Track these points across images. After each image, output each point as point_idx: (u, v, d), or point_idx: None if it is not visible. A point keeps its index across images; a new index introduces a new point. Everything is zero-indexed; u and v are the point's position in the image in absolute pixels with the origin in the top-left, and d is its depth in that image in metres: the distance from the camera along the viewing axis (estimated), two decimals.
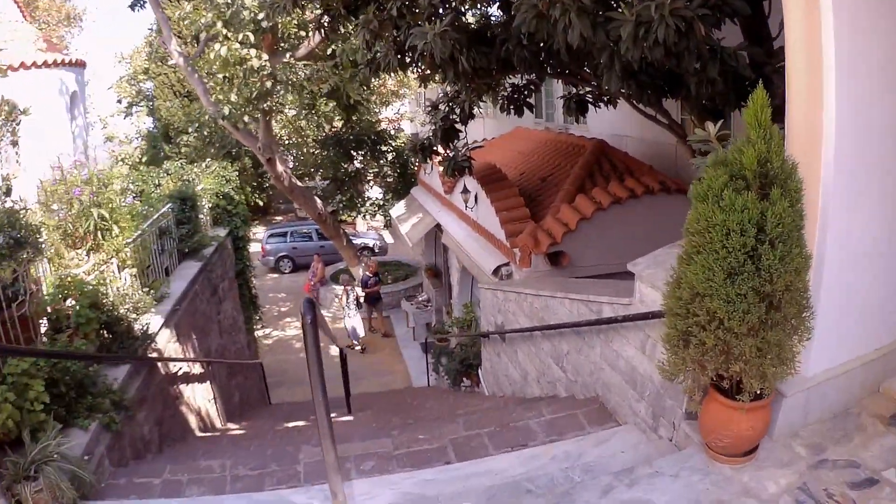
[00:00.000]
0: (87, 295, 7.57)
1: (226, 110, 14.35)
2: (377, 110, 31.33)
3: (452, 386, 13.30)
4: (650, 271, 5.10)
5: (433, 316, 19.45)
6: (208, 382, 10.93)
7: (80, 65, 19.37)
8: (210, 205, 13.94)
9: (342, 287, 19.77)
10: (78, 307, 7.32)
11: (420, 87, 14.58)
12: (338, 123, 23.10)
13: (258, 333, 21.14)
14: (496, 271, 11.09)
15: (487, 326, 10.45)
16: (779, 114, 6.23)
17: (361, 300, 20.10)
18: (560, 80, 11.83)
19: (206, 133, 22.95)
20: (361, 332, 19.85)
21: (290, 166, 24.06)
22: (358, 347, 19.85)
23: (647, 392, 5.35)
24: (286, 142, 26.79)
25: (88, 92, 36.77)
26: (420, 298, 20.36)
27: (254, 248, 30.73)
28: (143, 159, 26.20)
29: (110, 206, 9.04)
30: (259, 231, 33.50)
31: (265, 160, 17.63)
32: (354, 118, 22.04)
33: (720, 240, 3.60)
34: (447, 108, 11.34)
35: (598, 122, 15.08)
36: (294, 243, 28.86)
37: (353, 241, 26.91)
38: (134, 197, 13.37)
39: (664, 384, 4.96)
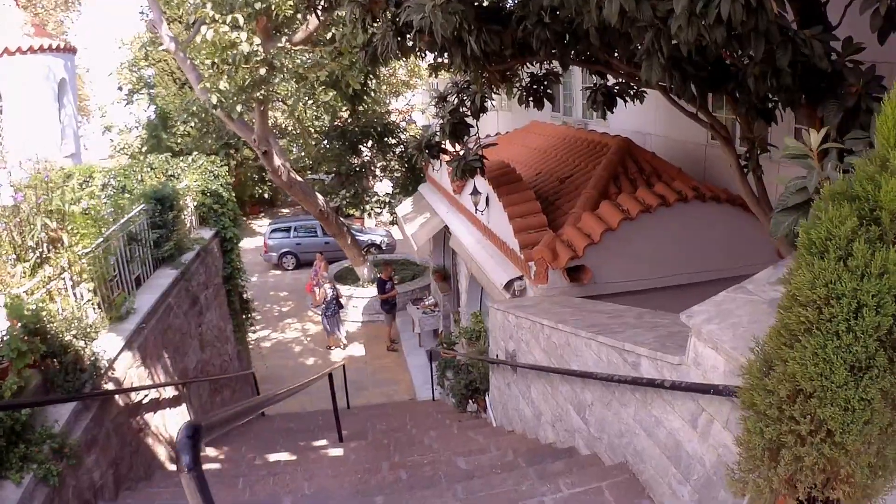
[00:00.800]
0: (24, 320, 6.39)
1: (213, 98, 13.13)
2: (387, 101, 30.14)
3: (457, 406, 12.09)
4: (712, 327, 3.83)
5: (440, 322, 18.22)
6: (184, 405, 9.78)
7: (69, 50, 18.29)
8: (195, 203, 12.74)
9: (322, 286, 19.02)
10: (8, 338, 6.13)
11: (431, 76, 13.36)
12: (344, 114, 21.84)
13: (254, 336, 20.03)
14: (508, 286, 9.85)
15: (497, 351, 9.20)
16: (852, 118, 5.00)
17: (342, 301, 19.78)
18: (585, 69, 10.48)
19: (201, 123, 21.79)
20: (343, 332, 19.46)
21: (292, 159, 22.86)
22: (343, 344, 19.45)
23: (695, 476, 4.13)
24: (288, 132, 25.64)
25: (89, 80, 36.07)
26: (427, 302, 19.12)
27: (257, 242, 29.79)
28: (144, 149, 25.10)
29: (60, 212, 7.83)
30: (264, 224, 32.39)
31: (261, 153, 16.43)
32: (360, 109, 20.79)
33: (846, 318, 2.36)
34: (457, 100, 10.10)
35: (620, 117, 13.77)
36: (298, 239, 27.62)
37: (360, 238, 25.75)
38: (113, 193, 12.28)
39: (717, 469, 3.79)
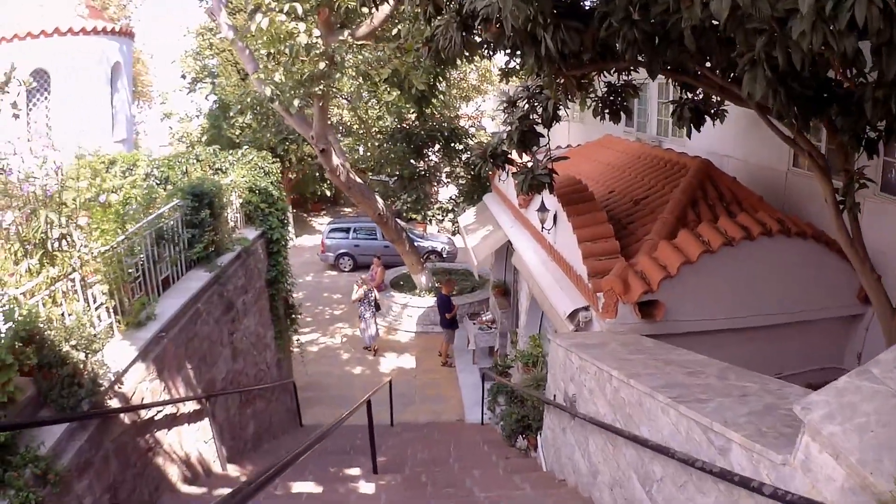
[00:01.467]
0: (16, 326, 5.61)
1: (268, 90, 12.35)
2: (456, 105, 29.22)
3: (506, 439, 11.02)
4: (834, 428, 2.76)
5: (497, 340, 17.16)
6: (206, 420, 8.95)
7: (125, 34, 17.83)
8: (241, 200, 11.96)
9: (358, 285, 18.65)
10: None
11: (502, 81, 12.39)
12: (410, 116, 20.98)
13: (302, 340, 19.26)
14: (572, 316, 8.77)
15: (555, 391, 8.11)
16: None
17: (379, 302, 19.41)
18: (669, 80, 9.30)
19: (259, 116, 21.18)
20: (374, 333, 18.93)
21: (356, 158, 22.07)
22: (375, 348, 19.02)
23: None
24: (353, 131, 24.92)
25: (153, 66, 36.06)
26: (485, 318, 18.06)
27: (315, 241, 29.16)
28: (203, 139, 24.64)
29: (72, 204, 7.07)
30: (325, 223, 31.80)
31: (318, 150, 15.62)
32: (427, 112, 19.87)
33: None
34: (527, 106, 9.06)
35: (695, 137, 12.59)
36: (357, 240, 26.86)
37: (420, 245, 24.87)
38: (155, 184, 11.60)
39: None
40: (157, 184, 11.73)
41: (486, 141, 22.29)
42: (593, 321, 8.68)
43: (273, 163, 13.29)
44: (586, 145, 16.68)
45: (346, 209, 37.82)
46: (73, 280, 6.74)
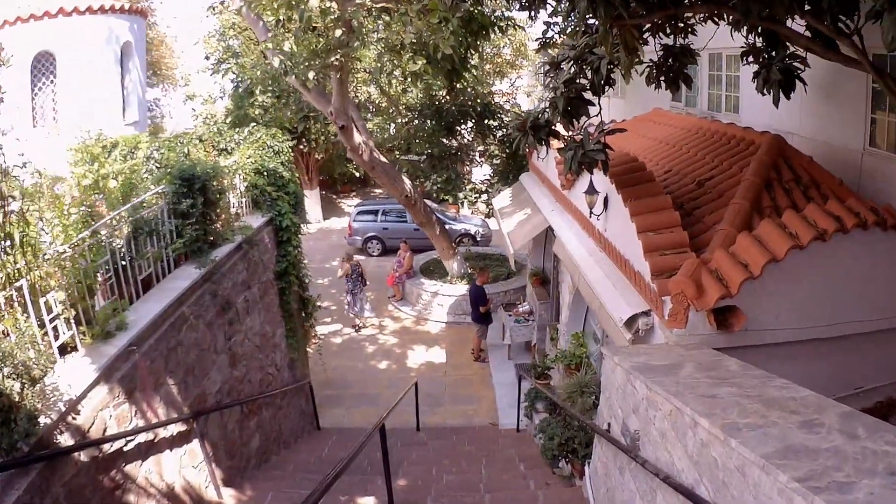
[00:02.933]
0: None
1: (276, 61, 10.98)
2: (490, 82, 27.65)
3: (547, 460, 9.56)
4: None
5: (534, 334, 15.68)
6: (195, 442, 7.62)
7: (137, 12, 16.78)
8: (245, 184, 10.62)
9: (340, 263, 18.41)
10: None
11: (538, 52, 10.89)
12: (440, 91, 19.45)
13: (325, 330, 18.00)
14: (631, 323, 7.27)
15: (609, 417, 6.59)
16: None
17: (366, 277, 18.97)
18: (754, 33, 7.65)
19: (279, 93, 19.88)
20: (368, 310, 18.84)
21: (385, 137, 20.58)
22: (361, 325, 18.77)
23: None
24: (382, 109, 23.49)
25: (178, 48, 34.85)
26: (521, 309, 16.54)
27: (344, 223, 27.81)
28: (228, 120, 23.41)
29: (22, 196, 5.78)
30: (354, 205, 30.48)
31: (338, 127, 14.18)
32: (458, 86, 18.29)
33: None
34: (573, 69, 7.54)
35: (752, 112, 11.07)
36: (386, 223, 25.44)
37: (453, 228, 23.42)
38: (158, 168, 10.34)
39: None
40: (157, 167, 10.44)
41: (519, 113, 20.74)
42: (655, 329, 7.19)
43: (283, 141, 11.86)
44: (633, 120, 15.04)
45: (376, 190, 36.44)
46: (20, 288, 5.44)
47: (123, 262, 7.09)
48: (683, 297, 6.52)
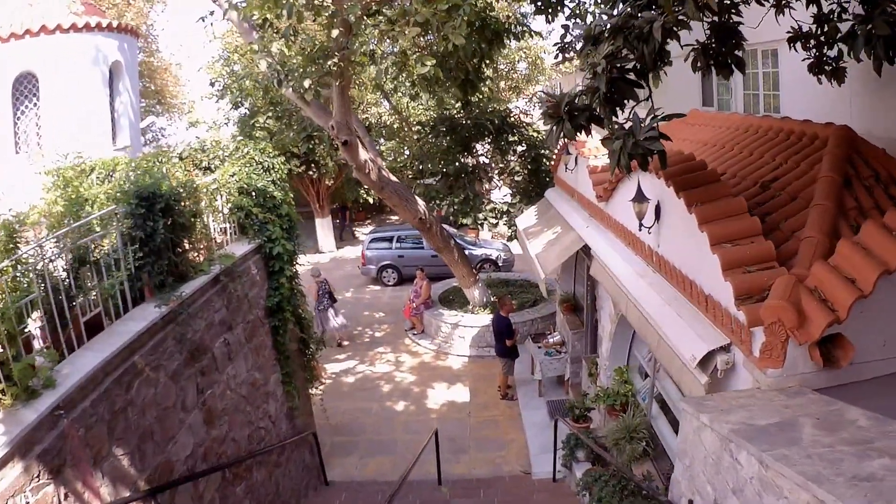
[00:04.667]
0: None
1: (263, 65, 9.60)
2: (506, 98, 26.19)
3: None
4: None
5: (567, 367, 13.96)
6: None
7: (127, 31, 15.56)
8: (229, 206, 9.12)
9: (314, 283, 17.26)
10: None
11: (557, 65, 9.44)
12: (452, 106, 17.99)
13: (335, 368, 16.42)
14: (706, 363, 5.61)
15: (690, 492, 4.87)
16: None
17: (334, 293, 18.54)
18: None
19: (281, 114, 18.56)
20: (340, 322, 18.13)
21: (396, 162, 19.05)
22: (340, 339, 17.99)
23: None
24: (393, 130, 22.11)
25: (182, 76, 33.80)
26: (551, 340, 14.80)
27: (358, 252, 26.27)
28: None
29: None
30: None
31: (341, 143, 12.68)
32: (473, 99, 16.83)
33: None
34: (615, 44, 5.95)
35: (795, 108, 9.47)
36: (401, 251, 23.84)
37: (472, 253, 21.80)
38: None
39: None
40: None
41: (539, 134, 19.20)
42: (737, 368, 5.54)
43: (275, 156, 10.33)
44: (664, 126, 13.40)
45: (392, 217, 34.97)
46: None
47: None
48: (781, 328, 4.89)
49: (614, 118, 5.96)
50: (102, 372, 5.57)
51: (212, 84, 24.93)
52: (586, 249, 11.42)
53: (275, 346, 9.68)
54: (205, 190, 8.72)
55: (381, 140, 23.52)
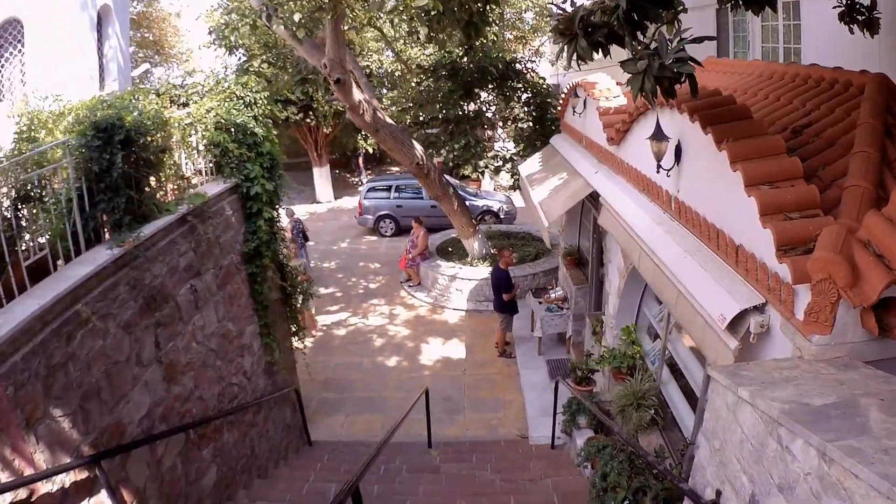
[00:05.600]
0: None
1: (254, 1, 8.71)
2: (511, 49, 25.12)
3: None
4: None
5: (569, 324, 13.17)
6: (102, 493, 5.27)
7: None
8: (205, 142, 8.28)
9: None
10: None
11: None
12: (454, 49, 16.93)
13: (327, 320, 15.71)
14: (736, 324, 4.79)
15: (718, 481, 4.02)
16: None
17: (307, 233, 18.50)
18: None
19: (276, 58, 17.62)
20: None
21: (397, 112, 18.02)
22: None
23: None
24: (389, 74, 21.12)
25: (182, 26, 32.82)
26: (553, 295, 13.97)
27: (356, 202, 25.39)
28: None
29: None
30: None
31: (333, 82, 11.75)
32: (477, 43, 15.78)
33: None
34: None
35: (819, 55, 8.78)
36: (399, 200, 22.94)
37: (473, 204, 20.95)
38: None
39: None
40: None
41: (545, 82, 18.19)
42: (773, 333, 4.73)
43: (258, 91, 9.42)
44: None
45: (393, 168, 34.00)
46: None
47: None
48: (832, 286, 4.06)
49: (638, 39, 5.08)
50: (40, 322, 4.78)
51: (210, 33, 23.94)
52: (593, 199, 10.58)
53: (252, 294, 8.86)
54: (177, 124, 7.89)
55: (384, 91, 22.57)
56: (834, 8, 6.71)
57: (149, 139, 6.73)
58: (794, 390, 3.52)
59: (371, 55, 24.41)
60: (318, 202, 28.49)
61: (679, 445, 7.38)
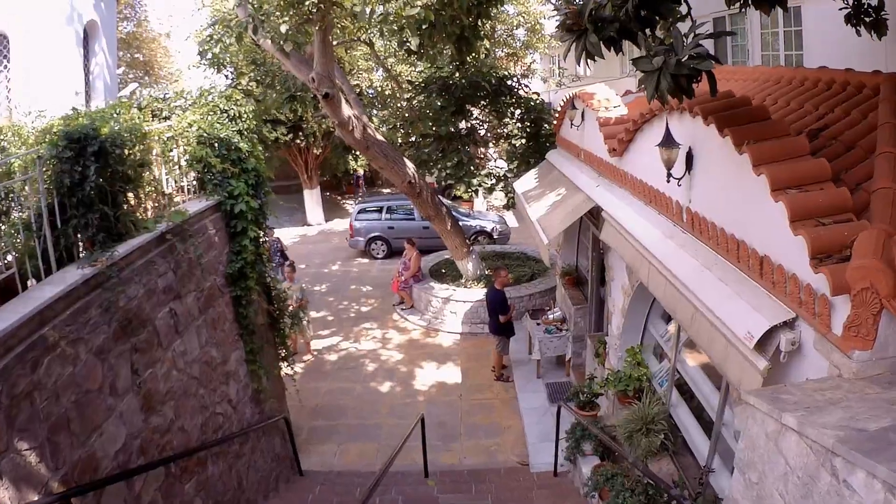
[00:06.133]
0: None
1: (240, 13, 8.33)
2: (502, 66, 24.84)
3: None
4: None
5: (569, 345, 12.74)
6: None
7: None
8: (187, 157, 7.87)
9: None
10: None
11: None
12: (443, 64, 16.64)
13: (319, 345, 15.26)
14: (766, 343, 4.36)
15: None
16: None
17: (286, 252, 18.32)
18: None
19: (263, 74, 17.35)
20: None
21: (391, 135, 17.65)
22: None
23: None
24: (380, 93, 20.81)
25: (172, 47, 32.61)
26: (552, 316, 13.55)
27: (344, 224, 24.98)
28: None
29: None
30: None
31: (321, 97, 11.37)
32: (470, 59, 15.49)
33: None
34: None
35: (822, 61, 8.29)
36: (391, 222, 22.53)
37: (466, 224, 20.52)
38: None
39: None
40: None
41: (537, 98, 17.86)
42: (804, 349, 4.31)
43: (242, 105, 9.01)
44: None
45: (384, 190, 33.62)
46: None
47: None
48: (874, 296, 3.66)
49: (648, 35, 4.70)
50: (2, 347, 4.33)
51: (200, 54, 23.65)
52: (593, 215, 10.21)
53: (237, 318, 8.40)
54: (157, 137, 7.48)
55: (374, 111, 22.29)
56: (840, 10, 6.42)
57: (126, 152, 6.31)
58: (843, 414, 3.10)
59: (361, 74, 24.14)
60: (309, 224, 28.07)
61: (691, 471, 6.95)
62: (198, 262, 7.30)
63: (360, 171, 29.98)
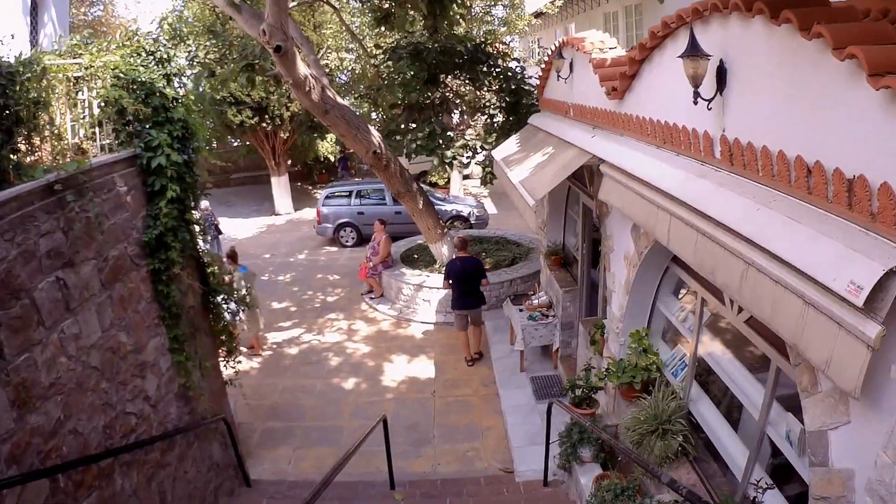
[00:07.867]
0: None
1: None
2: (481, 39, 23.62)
3: None
4: None
5: (556, 334, 11.29)
6: None
7: None
8: (101, 102, 6.42)
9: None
10: None
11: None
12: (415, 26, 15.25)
13: (278, 338, 13.78)
14: (877, 295, 2.92)
15: None
16: None
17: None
18: None
19: (218, 41, 16.00)
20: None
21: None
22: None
23: None
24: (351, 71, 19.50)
25: (144, 27, 31.52)
26: (536, 301, 12.08)
27: (313, 213, 23.46)
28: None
29: None
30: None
31: (273, 51, 9.86)
32: (443, 26, 14.12)
33: None
34: None
35: None
36: (361, 207, 20.97)
37: (442, 209, 19.05)
38: None
39: None
40: None
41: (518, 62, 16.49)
42: None
43: (171, 48, 7.53)
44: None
45: (358, 179, 32.13)
46: None
47: None
48: None
49: None
50: None
51: (158, 25, 22.14)
52: (581, 183, 8.81)
53: (156, 297, 6.86)
54: (63, 76, 6.04)
55: (353, 98, 21.05)
56: None
57: (18, 89, 4.89)
58: None
59: (330, 53, 22.80)
60: (277, 213, 26.53)
61: (716, 481, 5.56)
62: (98, 224, 5.77)
63: (345, 154, 28.63)
